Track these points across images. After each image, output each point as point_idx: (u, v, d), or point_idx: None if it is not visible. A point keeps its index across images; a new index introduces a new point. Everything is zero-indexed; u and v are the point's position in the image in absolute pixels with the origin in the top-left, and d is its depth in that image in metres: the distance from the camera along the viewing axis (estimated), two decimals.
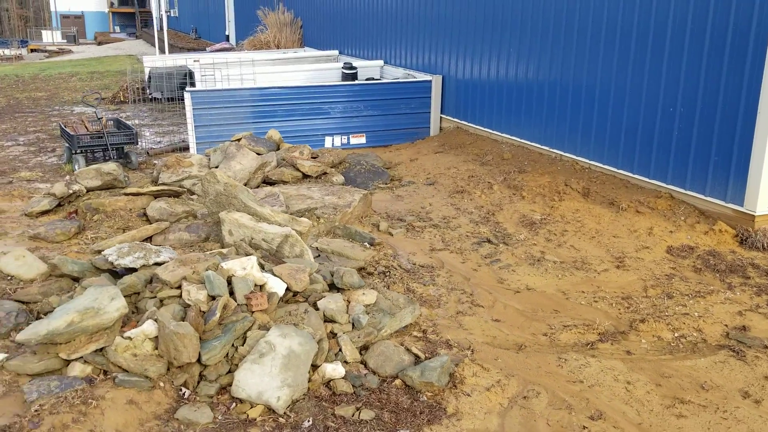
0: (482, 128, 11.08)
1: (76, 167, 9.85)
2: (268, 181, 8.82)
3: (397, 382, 4.40)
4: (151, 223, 7.48)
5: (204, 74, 14.36)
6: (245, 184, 8.75)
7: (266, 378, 4.09)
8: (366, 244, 6.85)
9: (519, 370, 4.63)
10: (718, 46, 6.95)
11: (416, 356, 4.73)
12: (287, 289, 4.94)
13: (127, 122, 10.83)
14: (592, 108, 8.69)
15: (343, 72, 13.93)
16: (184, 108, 15.13)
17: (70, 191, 7.93)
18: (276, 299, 4.76)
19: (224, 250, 5.75)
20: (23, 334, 4.31)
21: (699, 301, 5.69)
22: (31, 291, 5.26)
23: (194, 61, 15.87)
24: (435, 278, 6.18)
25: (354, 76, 13.82)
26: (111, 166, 8.47)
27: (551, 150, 9.48)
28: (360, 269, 6.17)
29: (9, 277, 5.80)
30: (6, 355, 4.49)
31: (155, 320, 4.46)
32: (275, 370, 4.13)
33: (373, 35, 14.78)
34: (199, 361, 4.24)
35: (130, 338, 4.35)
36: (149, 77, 16.93)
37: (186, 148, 11.53)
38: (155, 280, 4.97)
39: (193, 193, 8.22)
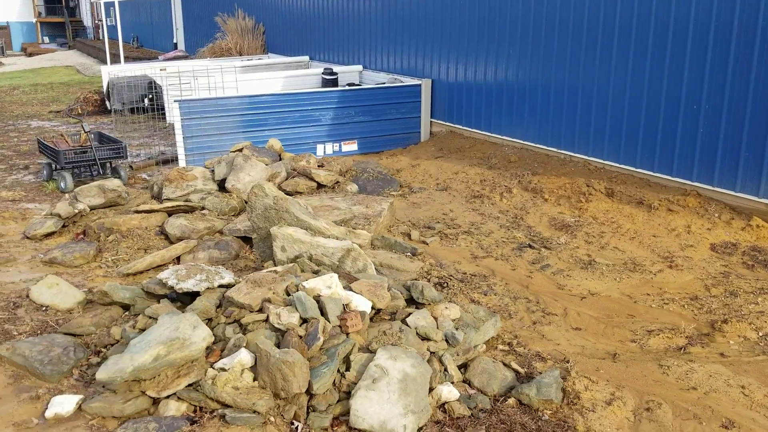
0: (479, 131, 10.93)
1: (62, 185, 9.25)
2: None
3: (511, 401, 4.15)
4: (171, 242, 7.03)
5: (171, 84, 13.83)
6: None
7: (386, 405, 3.78)
8: (408, 254, 6.57)
9: (626, 380, 4.44)
10: (747, 40, 6.95)
11: (516, 371, 4.50)
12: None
13: (112, 135, 10.25)
14: (605, 108, 8.63)
15: (323, 78, 13.59)
16: (150, 119, 14.57)
17: (75, 211, 7.39)
18: (367, 318, 4.45)
19: (279, 268, 5.39)
20: (105, 373, 3.89)
21: (766, 297, 5.63)
22: (83, 322, 4.79)
23: (160, 69, 15.27)
24: (492, 287, 5.95)
25: (335, 82, 13.50)
26: (115, 183, 7.94)
27: (560, 151, 9.39)
28: (413, 281, 5.88)
29: (44, 308, 5.30)
30: (80, 396, 4.04)
31: (247, 348, 4.09)
32: (394, 396, 3.82)
33: (349, 39, 14.49)
34: (305, 390, 3.90)
35: (223, 369, 3.97)
36: (109, 88, 16.23)
37: (169, 161, 11.01)
38: (227, 304, 4.59)
39: (203, 208, 7.77)
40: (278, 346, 4.09)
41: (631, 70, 8.22)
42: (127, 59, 26.55)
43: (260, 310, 4.44)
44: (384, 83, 12.67)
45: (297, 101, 11.09)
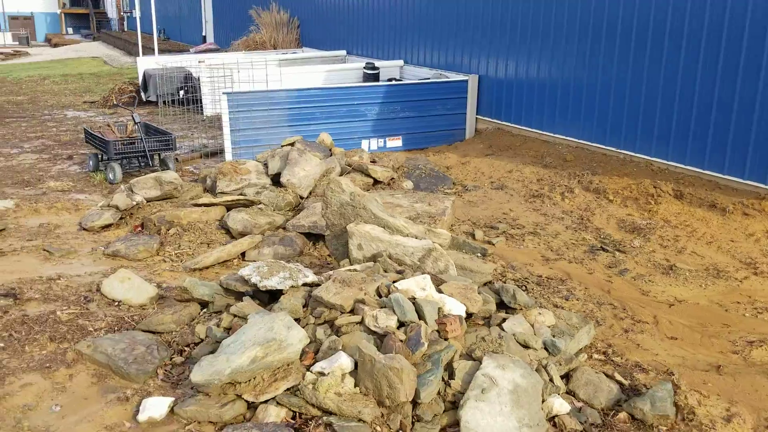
0: (530, 129, 10.68)
1: (111, 176, 9.09)
2: None
3: (622, 415, 3.93)
4: (232, 236, 6.86)
5: (210, 76, 13.67)
6: (311, 192, 8.16)
7: (499, 418, 3.56)
8: (479, 254, 6.35)
9: (737, 395, 4.20)
10: None
11: (619, 383, 4.27)
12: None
13: (160, 127, 10.08)
14: (672, 107, 8.36)
15: (364, 72, 13.38)
16: (186, 112, 14.39)
17: (134, 203, 7.22)
18: (464, 323, 4.24)
19: (358, 267, 5.19)
20: (201, 375, 3.70)
21: None
22: (164, 320, 4.61)
23: (198, 62, 15.11)
24: (573, 291, 5.72)
25: (377, 77, 13.28)
26: (171, 175, 7.77)
27: (619, 151, 9.12)
28: (487, 283, 5.67)
29: (116, 303, 5.13)
30: (171, 399, 3.85)
31: (343, 351, 3.89)
32: (506, 408, 3.61)
33: (389, 34, 14.26)
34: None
35: (322, 374, 3.76)
36: (144, 79, 16.10)
37: (213, 154, 10.85)
38: (314, 304, 4.40)
39: (259, 203, 7.57)
40: (379, 350, 3.89)
41: (701, 69, 7.95)
42: (161, 52, 26.46)
43: (351, 311, 4.24)
44: (428, 79, 12.43)
45: (344, 96, 10.89)
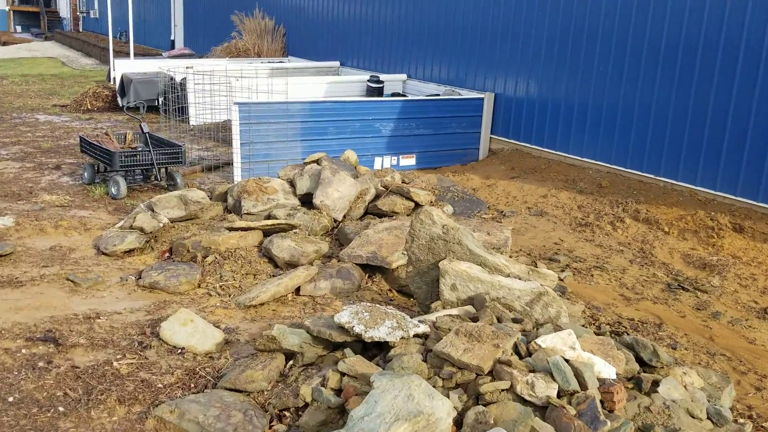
0: (553, 151, 10.20)
1: (114, 190, 8.23)
2: (374, 212, 7.56)
3: None
4: (277, 265, 6.13)
5: (200, 83, 12.85)
6: (345, 215, 7.48)
7: None
8: (558, 293, 5.77)
9: None
10: None
11: None
12: None
13: (164, 137, 9.23)
14: (722, 133, 7.96)
15: (368, 86, 12.74)
16: (169, 120, 13.46)
17: (160, 225, 6.43)
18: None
19: (454, 311, 4.56)
20: None
21: None
22: (254, 376, 3.87)
23: (186, 68, 14.23)
24: (674, 338, 5.19)
25: (380, 91, 12.66)
26: (199, 194, 7.00)
27: (658, 178, 8.69)
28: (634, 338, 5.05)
29: (179, 350, 4.37)
30: None
31: (497, 425, 3.24)
32: None
33: (390, 47, 13.66)
34: None
35: None
36: (122, 84, 15.13)
37: (215, 168, 10.06)
38: (438, 362, 3.73)
39: (298, 227, 6.85)
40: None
41: (759, 91, 7.56)
42: (123, 55, 25.29)
43: (490, 373, 3.59)
44: (437, 95, 11.88)
45: (359, 110, 10.24)
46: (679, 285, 6.24)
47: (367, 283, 5.93)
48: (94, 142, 8.58)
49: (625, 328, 5.27)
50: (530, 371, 3.53)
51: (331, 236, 7.13)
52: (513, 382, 3.45)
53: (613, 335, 5.08)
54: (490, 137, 11.33)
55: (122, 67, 15.40)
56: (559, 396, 3.42)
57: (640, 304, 5.84)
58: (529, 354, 3.71)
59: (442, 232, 4.82)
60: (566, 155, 10.01)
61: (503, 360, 3.57)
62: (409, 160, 10.78)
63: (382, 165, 10.54)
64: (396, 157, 10.67)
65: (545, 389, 3.37)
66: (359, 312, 4.10)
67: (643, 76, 8.79)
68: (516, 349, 3.75)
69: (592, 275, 6.45)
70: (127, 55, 24.36)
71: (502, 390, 3.46)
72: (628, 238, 7.43)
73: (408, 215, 7.53)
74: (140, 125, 8.48)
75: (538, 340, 3.72)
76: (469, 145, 11.22)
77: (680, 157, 8.47)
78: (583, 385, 3.45)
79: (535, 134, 10.55)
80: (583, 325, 5.09)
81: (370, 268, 6.05)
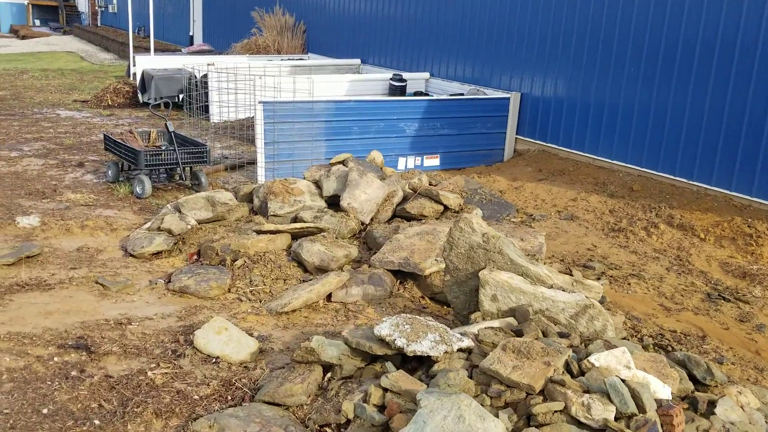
0: (581, 153, 10.01)
1: (139, 189, 8.14)
2: (402, 215, 7.42)
3: None
4: (306, 269, 6.01)
5: (222, 80, 12.76)
6: (372, 218, 7.35)
7: None
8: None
9: None
10: None
11: None
12: None
13: (187, 136, 9.13)
14: (760, 137, 7.76)
15: (391, 84, 12.59)
16: (189, 116, 13.37)
17: (189, 227, 6.32)
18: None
19: (495, 323, 4.42)
20: None
21: None
22: (294, 389, 3.74)
23: (208, 64, 14.13)
24: (719, 352, 5.03)
25: (403, 90, 12.51)
26: (226, 195, 6.89)
27: (691, 183, 8.50)
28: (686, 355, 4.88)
29: (213, 359, 4.25)
30: None
31: None
32: None
33: (412, 44, 13.50)
34: None
35: None
36: (143, 80, 15.06)
37: (238, 166, 9.95)
38: (484, 378, 3.59)
39: (326, 230, 6.72)
40: None
41: None
42: (138, 50, 25.26)
43: (541, 392, 3.45)
44: (461, 94, 11.72)
45: (383, 109, 10.10)
46: (719, 295, 6.06)
47: (398, 290, 5.80)
48: (119, 141, 8.48)
49: (669, 340, 5.10)
50: (584, 392, 3.38)
51: (359, 240, 7.00)
52: (567, 402, 3.31)
53: (657, 349, 4.94)
54: (516, 138, 11.16)
55: (143, 63, 15.32)
56: (615, 419, 3.27)
57: (681, 315, 5.68)
58: (581, 372, 3.56)
59: (482, 241, 4.68)
60: (595, 157, 9.83)
61: (556, 379, 3.42)
62: (433, 161, 10.63)
63: (406, 166, 10.40)
64: (420, 158, 10.52)
65: (602, 412, 3.23)
66: (399, 324, 3.97)
67: (677, 78, 8.59)
68: (567, 367, 3.60)
69: (629, 283, 6.28)
70: (146, 50, 24.35)
71: (555, 411, 3.32)
72: (663, 245, 7.26)
73: (437, 219, 7.39)
74: (165, 124, 8.38)
75: (591, 359, 3.57)
76: (495, 146, 11.06)
77: (715, 161, 8.27)
78: (641, 408, 3.30)
79: (562, 135, 10.37)
80: (624, 338, 4.94)
81: (402, 274, 5.91)
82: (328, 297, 5.50)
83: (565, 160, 10.17)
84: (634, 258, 6.96)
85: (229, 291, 5.45)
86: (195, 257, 6.14)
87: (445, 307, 5.61)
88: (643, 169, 9.13)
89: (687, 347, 5.05)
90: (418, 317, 4.10)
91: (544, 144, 10.68)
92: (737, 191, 8.05)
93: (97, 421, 3.50)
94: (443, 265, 5.67)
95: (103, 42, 32.13)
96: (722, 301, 5.96)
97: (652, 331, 5.28)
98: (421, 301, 5.71)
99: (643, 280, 6.36)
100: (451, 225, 4.83)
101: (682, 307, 5.82)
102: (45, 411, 3.55)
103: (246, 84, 11.98)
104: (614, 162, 9.54)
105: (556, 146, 10.47)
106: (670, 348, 4.96)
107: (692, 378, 3.97)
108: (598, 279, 6.30)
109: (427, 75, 13.09)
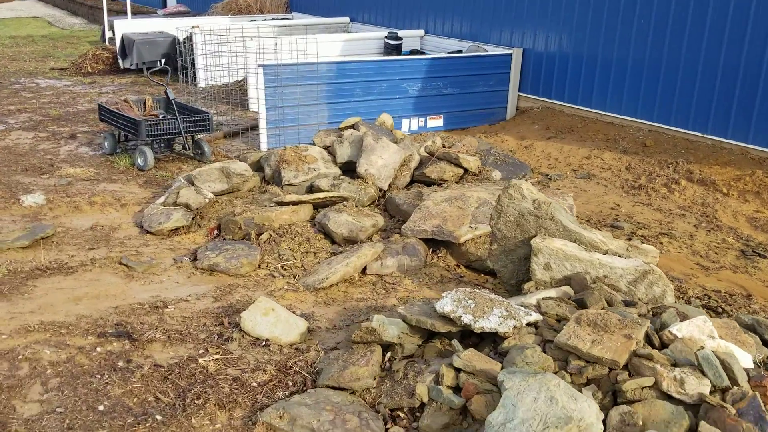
0: (588, 109, 9.82)
1: (141, 161, 7.82)
2: (421, 180, 7.21)
3: None
4: (334, 241, 5.79)
5: (209, 42, 12.35)
6: (390, 184, 7.13)
7: None
8: None
9: None
10: None
11: None
12: None
13: (187, 104, 8.77)
14: None
15: (386, 43, 12.26)
16: (175, 82, 12.90)
17: (206, 200, 6.05)
18: None
19: (551, 292, 4.26)
20: None
21: None
22: (359, 373, 3.55)
23: (193, 27, 13.63)
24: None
25: (399, 48, 12.19)
26: (242, 166, 6.61)
27: (706, 136, 8.36)
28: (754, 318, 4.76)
29: (263, 342, 4.04)
30: None
31: (647, 428, 2.96)
32: None
33: (406, 0, 13.13)
34: None
35: None
36: (123, 45, 14.52)
37: (235, 133, 9.62)
38: (559, 354, 3.44)
39: (348, 199, 6.49)
40: (697, 427, 2.97)
41: None
42: (117, 13, 24.43)
43: (625, 367, 3.30)
44: (460, 51, 11.43)
45: (386, 70, 9.79)
46: (753, 251, 5.97)
47: (432, 259, 5.61)
48: (116, 110, 8.11)
49: (717, 301, 4.99)
50: (672, 365, 3.24)
51: (379, 207, 6.79)
52: (657, 377, 3.16)
53: (707, 311, 4.82)
54: (519, 95, 10.93)
55: (122, 27, 14.77)
56: (714, 393, 3.14)
57: (720, 274, 5.57)
58: (663, 344, 3.42)
59: (533, 207, 4.49)
60: (603, 113, 9.64)
61: (642, 353, 3.27)
62: (436, 121, 10.39)
63: (410, 127, 10.15)
64: (423, 119, 10.27)
65: (697, 386, 3.09)
66: (462, 299, 3.78)
67: (690, 27, 8.39)
68: (648, 339, 3.45)
69: (662, 243, 6.15)
70: (118, 13, 23.53)
71: (644, 387, 3.17)
72: (687, 201, 7.14)
73: (456, 182, 7.19)
74: (165, 91, 8.02)
75: (673, 329, 3.42)
76: (497, 104, 10.82)
77: (730, 114, 8.13)
78: (733, 380, 3.17)
79: (568, 91, 10.15)
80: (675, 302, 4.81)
81: (434, 243, 5.72)
82: (363, 269, 5.29)
83: (571, 116, 9.98)
84: (659, 216, 6.83)
85: (259, 267, 5.22)
86: (215, 232, 5.89)
87: (482, 275, 5.44)
88: (654, 124, 8.97)
89: (735, 307, 4.94)
90: (479, 291, 3.92)
91: (549, 101, 10.46)
92: (754, 143, 7.93)
93: (158, 416, 3.29)
94: (478, 232, 5.51)
95: (69, 6, 31.03)
96: (758, 258, 5.86)
97: (697, 292, 5.16)
98: (456, 269, 5.53)
99: (675, 239, 6.24)
100: (501, 192, 4.63)
101: (719, 266, 5.72)
102: (101, 408, 3.32)
103: (237, 47, 11.57)
104: (624, 117, 9.36)
105: (561, 103, 10.26)
106: (720, 309, 4.85)
107: (765, 342, 3.85)
108: (629, 239, 6.17)
109: (421, 32, 12.75)
